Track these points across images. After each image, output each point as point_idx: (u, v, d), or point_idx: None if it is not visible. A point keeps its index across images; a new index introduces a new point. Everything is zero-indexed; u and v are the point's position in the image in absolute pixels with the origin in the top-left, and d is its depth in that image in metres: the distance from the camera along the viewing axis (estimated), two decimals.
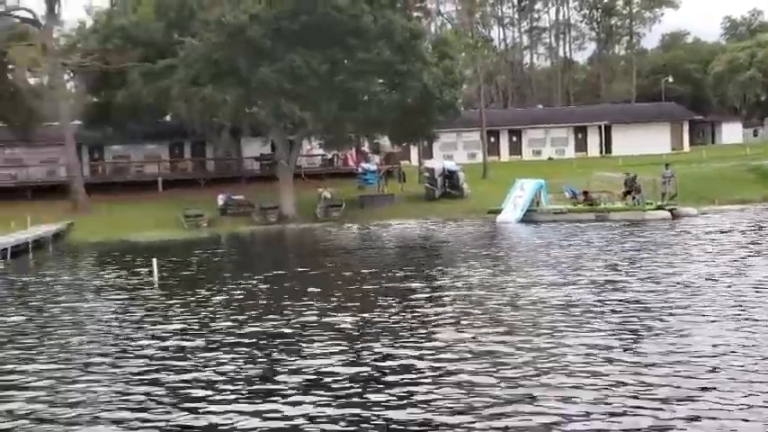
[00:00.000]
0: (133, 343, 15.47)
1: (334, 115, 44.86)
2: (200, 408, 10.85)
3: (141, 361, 13.80)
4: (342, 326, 15.91)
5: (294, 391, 11.44)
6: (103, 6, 58.89)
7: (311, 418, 10.21)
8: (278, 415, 10.40)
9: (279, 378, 12.21)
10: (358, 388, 11.45)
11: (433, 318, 16.44)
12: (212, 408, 10.82)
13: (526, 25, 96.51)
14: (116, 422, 10.51)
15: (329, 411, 10.44)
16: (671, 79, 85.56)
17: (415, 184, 53.82)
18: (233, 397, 11.36)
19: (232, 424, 10.21)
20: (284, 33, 42.15)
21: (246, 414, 10.51)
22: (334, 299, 19.29)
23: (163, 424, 10.37)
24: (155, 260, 26.50)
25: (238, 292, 21.53)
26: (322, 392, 11.28)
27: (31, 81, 58.97)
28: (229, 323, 16.82)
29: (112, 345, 15.50)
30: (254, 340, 14.99)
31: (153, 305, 20.01)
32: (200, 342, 15.11)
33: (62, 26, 57.71)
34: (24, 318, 18.92)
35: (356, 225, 43.25)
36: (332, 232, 40.69)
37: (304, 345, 14.37)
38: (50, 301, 21.51)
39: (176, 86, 45.45)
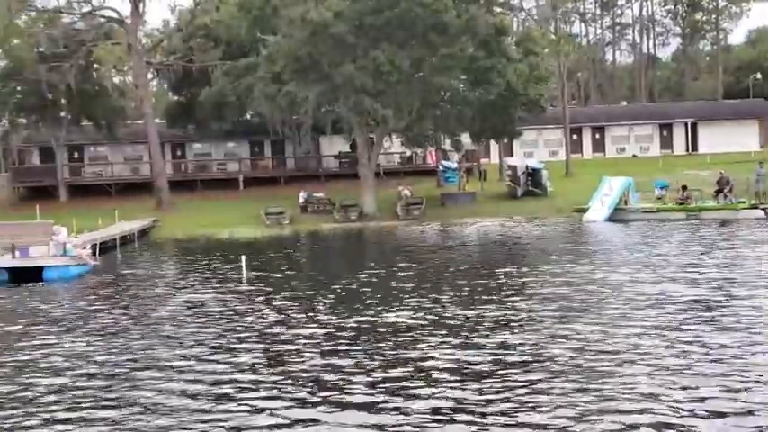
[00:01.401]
0: (250, 333, 15.82)
1: (415, 112, 44.36)
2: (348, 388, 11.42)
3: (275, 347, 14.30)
4: (457, 320, 16.07)
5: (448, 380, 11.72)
6: (187, 5, 59.35)
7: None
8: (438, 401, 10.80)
9: (426, 365, 12.52)
10: (515, 376, 11.77)
11: (546, 312, 16.53)
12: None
13: (608, 21, 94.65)
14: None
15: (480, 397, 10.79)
16: (759, 76, 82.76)
17: (496, 182, 53.02)
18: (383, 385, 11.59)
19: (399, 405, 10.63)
20: (367, 29, 41.86)
21: (411, 398, 10.92)
22: (444, 295, 19.30)
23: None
24: (243, 257, 26.54)
25: (339, 287, 21.50)
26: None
27: (116, 80, 60.15)
28: (343, 317, 16.93)
29: (234, 334, 15.88)
30: (375, 333, 15.23)
31: (258, 299, 20.08)
32: (317, 332, 15.45)
33: (144, 25, 58.69)
34: (138, 312, 19.12)
35: (438, 223, 42.68)
36: (415, 230, 40.23)
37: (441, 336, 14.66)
38: (157, 296, 21.85)
39: (258, 84, 45.57)
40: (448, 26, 40.76)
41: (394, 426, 9.91)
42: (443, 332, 14.91)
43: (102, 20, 53.53)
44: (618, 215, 39.90)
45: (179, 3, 62.06)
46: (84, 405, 11.32)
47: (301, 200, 48.80)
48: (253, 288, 22.31)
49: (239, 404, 11.06)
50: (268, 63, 44.54)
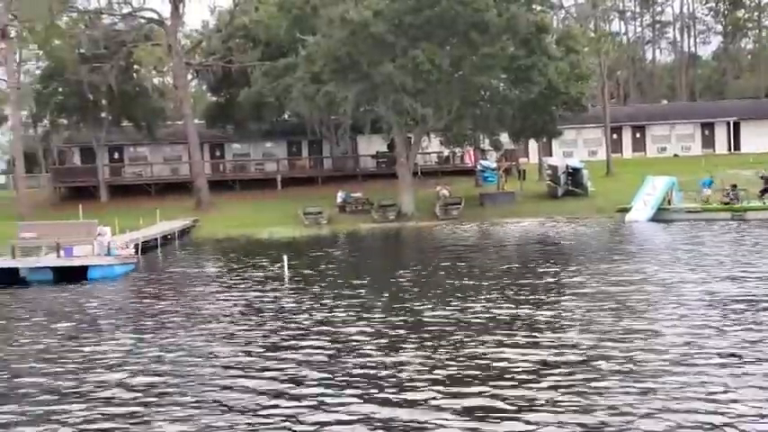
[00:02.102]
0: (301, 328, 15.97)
1: (455, 111, 44.09)
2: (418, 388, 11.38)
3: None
4: (507, 318, 16.14)
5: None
6: (226, 5, 59.61)
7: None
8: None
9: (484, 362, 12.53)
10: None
11: (601, 311, 16.43)
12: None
13: (648, 19, 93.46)
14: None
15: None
16: None
17: (535, 182, 52.57)
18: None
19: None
20: (407, 28, 41.66)
21: (474, 396, 10.92)
22: (495, 293, 19.30)
23: None
24: (285, 256, 26.52)
25: (384, 286, 21.42)
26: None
27: (155, 80, 60.58)
28: (394, 315, 16.95)
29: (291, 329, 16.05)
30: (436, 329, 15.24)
31: (304, 298, 20.05)
32: (370, 330, 15.54)
33: (183, 26, 58.98)
34: (189, 311, 19.20)
35: (478, 223, 42.36)
36: (455, 230, 39.97)
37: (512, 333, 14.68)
38: (204, 294, 21.93)
39: (297, 84, 45.59)
40: (489, 25, 40.42)
41: (465, 420, 9.92)
42: (504, 330, 14.91)
43: (143, 21, 53.90)
44: (661, 215, 39.36)
45: (218, 3, 62.13)
46: (151, 402, 11.44)
47: (339, 200, 48.74)
48: (298, 287, 22.26)
49: (300, 400, 11.07)
50: (307, 63, 44.53)
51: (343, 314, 17.46)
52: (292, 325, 16.53)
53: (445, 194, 48.17)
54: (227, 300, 20.57)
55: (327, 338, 14.95)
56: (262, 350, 14.32)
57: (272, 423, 10.23)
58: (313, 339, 14.94)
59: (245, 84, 52.37)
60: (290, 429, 10.02)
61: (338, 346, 14.34)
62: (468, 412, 10.23)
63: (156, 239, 36.30)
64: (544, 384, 11.26)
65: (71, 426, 10.51)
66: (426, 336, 14.68)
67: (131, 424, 10.46)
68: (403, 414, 10.28)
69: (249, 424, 10.23)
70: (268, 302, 19.68)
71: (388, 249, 35.73)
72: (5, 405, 11.47)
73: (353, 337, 14.92)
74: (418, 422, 9.98)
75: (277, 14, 48.39)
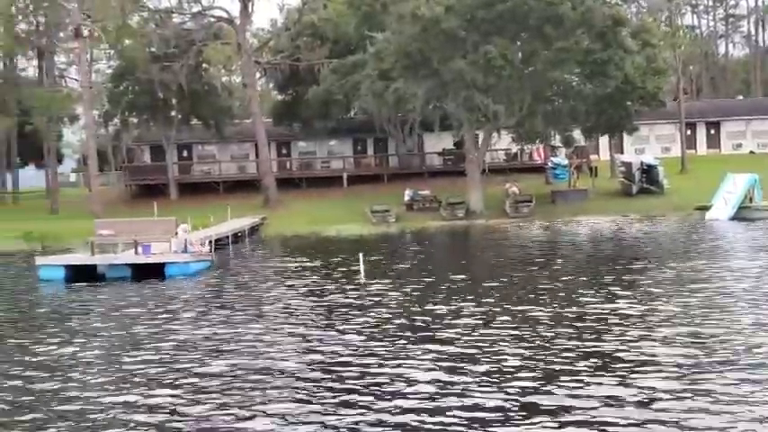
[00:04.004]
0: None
1: (527, 107, 43.30)
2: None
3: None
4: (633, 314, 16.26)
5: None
6: (295, 4, 59.65)
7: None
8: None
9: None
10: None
11: (705, 308, 16.45)
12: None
13: (721, 13, 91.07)
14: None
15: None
16: None
17: (607, 179, 51.47)
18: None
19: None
20: (478, 23, 41.05)
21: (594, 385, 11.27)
22: (602, 291, 19.25)
23: None
24: (360, 254, 26.21)
25: (468, 284, 21.32)
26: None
27: (224, 79, 60.91)
28: (492, 311, 17.06)
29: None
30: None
31: (389, 295, 19.95)
32: (472, 323, 15.76)
33: (251, 25, 59.14)
34: (275, 307, 19.26)
35: (550, 221, 41.58)
36: (527, 228, 39.29)
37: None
38: (286, 291, 21.94)
39: (365, 81, 45.31)
40: (563, 18, 39.57)
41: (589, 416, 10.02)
42: (622, 325, 15.06)
43: (212, 19, 54.16)
44: (742, 213, 38.21)
45: (287, 1, 62.21)
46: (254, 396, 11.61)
47: (407, 197, 48.29)
48: (380, 285, 22.04)
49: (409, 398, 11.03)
50: (376, 60, 44.23)
51: (442, 309, 17.46)
52: (396, 323, 16.28)
53: (515, 192, 47.37)
54: (312, 297, 20.45)
55: (435, 334, 14.96)
56: (363, 347, 14.23)
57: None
58: (418, 336, 14.84)
59: (313, 82, 52.30)
60: None
61: (439, 337, 14.27)
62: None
63: (227, 237, 36.31)
64: (680, 376, 11.58)
65: None
66: (540, 330, 14.97)
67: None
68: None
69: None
70: (350, 300, 19.44)
71: (461, 247, 35.33)
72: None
73: (450, 331, 14.89)
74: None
75: (346, 12, 48.18)
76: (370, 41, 44.74)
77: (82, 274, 25.98)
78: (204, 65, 55.83)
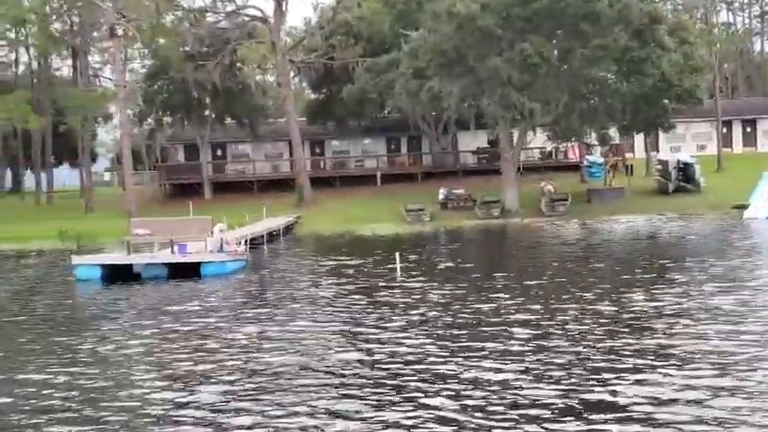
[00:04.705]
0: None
1: (563, 105, 42.94)
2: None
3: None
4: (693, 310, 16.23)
5: None
6: (329, 2, 59.63)
7: None
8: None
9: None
10: None
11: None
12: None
13: (757, 10, 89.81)
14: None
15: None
16: None
17: (642, 177, 50.97)
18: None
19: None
20: (514, 21, 40.80)
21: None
22: (645, 288, 19.08)
23: None
24: (397, 254, 26.13)
25: (509, 283, 21.06)
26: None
27: (258, 78, 61.03)
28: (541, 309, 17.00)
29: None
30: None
31: (432, 294, 19.82)
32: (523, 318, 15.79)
33: (286, 24, 59.23)
34: (316, 307, 19.12)
35: (586, 220, 41.26)
36: (564, 226, 39.01)
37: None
38: (325, 290, 21.83)
39: (400, 80, 45.20)
40: (600, 15, 39.23)
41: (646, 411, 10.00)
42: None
43: (246, 19, 54.29)
44: None
45: (321, 0, 62.10)
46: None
47: (441, 196, 48.11)
48: (420, 282, 21.91)
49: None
50: (410, 58, 44.13)
51: (486, 306, 17.39)
52: (444, 322, 16.19)
53: (550, 190, 47.02)
54: (353, 294, 20.35)
55: (481, 331, 14.77)
56: (419, 343, 14.20)
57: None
58: (469, 335, 14.74)
59: (347, 80, 52.28)
60: None
61: (486, 335, 14.09)
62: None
63: (262, 236, 36.34)
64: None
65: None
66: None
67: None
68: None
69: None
70: (391, 299, 19.34)
71: (498, 245, 35.12)
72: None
73: (504, 330, 14.82)
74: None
75: (381, 10, 48.08)
76: (405, 40, 44.61)
77: (118, 274, 26.01)
78: (238, 64, 55.95)
